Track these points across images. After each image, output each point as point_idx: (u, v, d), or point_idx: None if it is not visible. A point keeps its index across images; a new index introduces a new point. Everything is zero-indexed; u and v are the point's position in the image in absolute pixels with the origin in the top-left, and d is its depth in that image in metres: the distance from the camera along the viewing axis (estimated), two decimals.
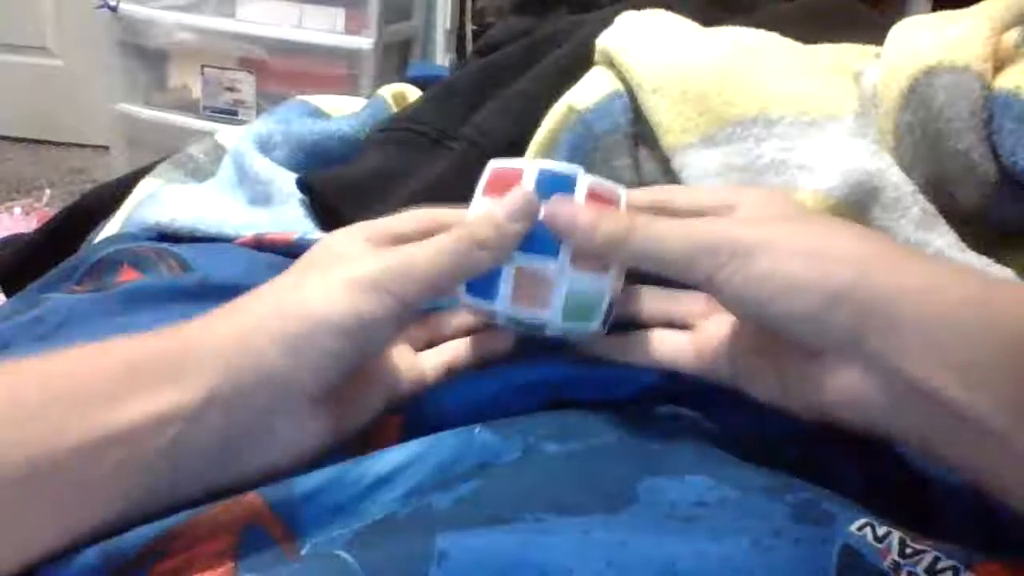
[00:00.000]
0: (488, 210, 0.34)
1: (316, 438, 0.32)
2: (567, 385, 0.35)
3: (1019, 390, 0.24)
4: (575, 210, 0.33)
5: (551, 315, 0.34)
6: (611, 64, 0.55)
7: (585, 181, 0.35)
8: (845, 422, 0.29)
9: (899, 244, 0.30)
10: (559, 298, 0.34)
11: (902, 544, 0.25)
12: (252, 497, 0.29)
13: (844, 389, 0.28)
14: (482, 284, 0.35)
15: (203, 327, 0.32)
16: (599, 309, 0.35)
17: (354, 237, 0.35)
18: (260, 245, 0.54)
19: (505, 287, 0.34)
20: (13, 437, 0.27)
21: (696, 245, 0.30)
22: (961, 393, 0.25)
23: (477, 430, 0.32)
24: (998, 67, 0.42)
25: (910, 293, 0.26)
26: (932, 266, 0.28)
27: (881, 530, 0.26)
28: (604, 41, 0.56)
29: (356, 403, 0.34)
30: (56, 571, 0.27)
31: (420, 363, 0.38)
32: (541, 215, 0.34)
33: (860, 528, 0.26)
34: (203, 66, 1.75)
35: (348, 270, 0.32)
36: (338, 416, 0.33)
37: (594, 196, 0.35)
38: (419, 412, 0.34)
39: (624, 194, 0.37)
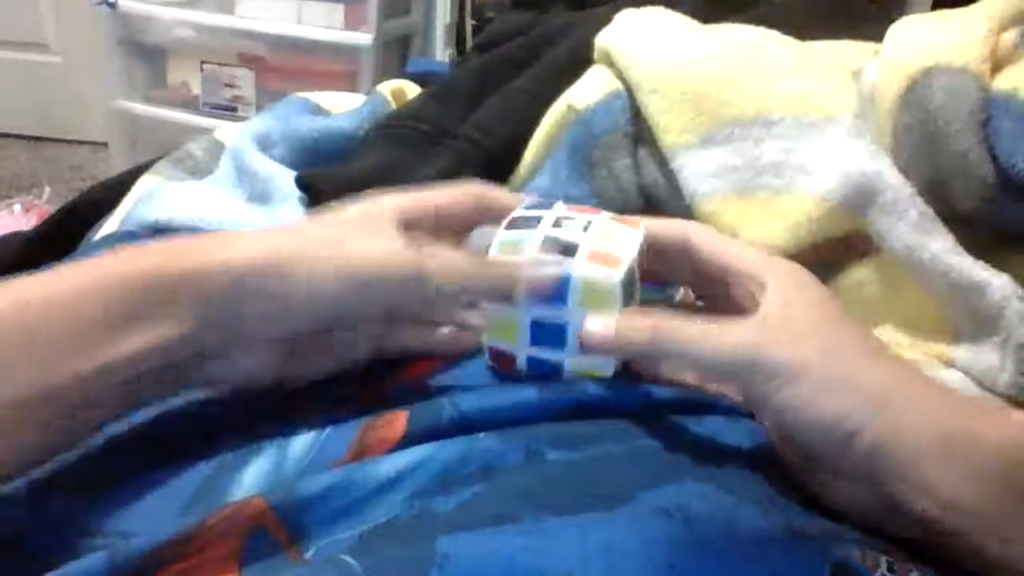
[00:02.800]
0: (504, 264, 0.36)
1: (268, 372, 0.35)
2: (576, 405, 0.36)
3: (1001, 515, 0.28)
4: (604, 329, 0.34)
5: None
6: (610, 63, 0.55)
7: (578, 317, 0.35)
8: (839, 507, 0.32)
9: (915, 373, 0.31)
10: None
11: (890, 566, 0.27)
12: (257, 501, 0.29)
13: (846, 493, 0.31)
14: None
15: (204, 263, 0.32)
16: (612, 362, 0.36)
17: (387, 214, 0.36)
18: None
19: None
20: (24, 360, 0.29)
21: (733, 360, 0.31)
22: (949, 522, 0.28)
23: (481, 436, 0.32)
24: (996, 67, 0.41)
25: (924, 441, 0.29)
26: (941, 405, 0.30)
27: (870, 553, 0.27)
28: (603, 40, 0.56)
29: (315, 357, 0.36)
30: None
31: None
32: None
33: (849, 551, 0.27)
34: (202, 62, 1.74)
35: (345, 255, 0.33)
36: (293, 360, 0.35)
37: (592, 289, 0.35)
38: (424, 410, 0.34)
39: (626, 267, 0.36)
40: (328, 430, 0.34)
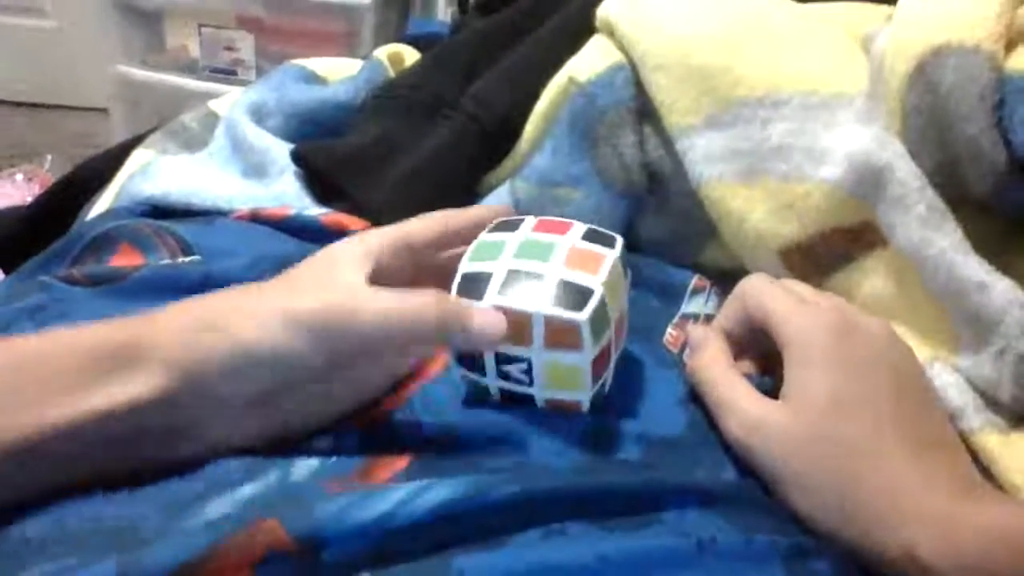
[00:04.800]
0: (462, 311, 0.34)
1: (246, 437, 0.34)
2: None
3: None
4: None
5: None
6: (612, 34, 0.53)
7: (544, 354, 0.35)
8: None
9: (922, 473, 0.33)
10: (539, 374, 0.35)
11: None
12: (272, 524, 0.29)
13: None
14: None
15: (167, 319, 0.33)
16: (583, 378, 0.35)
17: (356, 252, 0.36)
18: (256, 219, 0.54)
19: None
20: None
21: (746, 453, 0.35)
22: None
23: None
24: (1011, 45, 0.40)
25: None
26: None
27: None
28: (605, 9, 0.54)
29: (295, 412, 0.35)
30: None
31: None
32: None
33: None
34: (200, 25, 1.72)
35: (291, 300, 0.33)
36: (273, 420, 0.34)
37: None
38: (426, 457, 0.34)
39: (596, 299, 0.34)
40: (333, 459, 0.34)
